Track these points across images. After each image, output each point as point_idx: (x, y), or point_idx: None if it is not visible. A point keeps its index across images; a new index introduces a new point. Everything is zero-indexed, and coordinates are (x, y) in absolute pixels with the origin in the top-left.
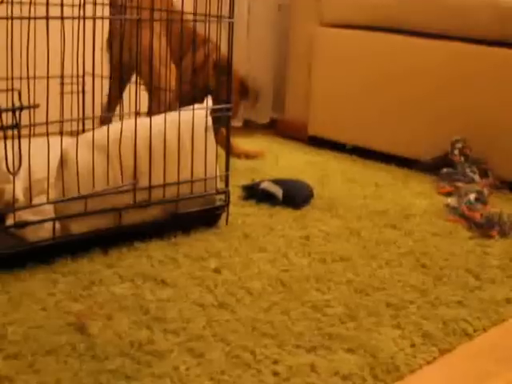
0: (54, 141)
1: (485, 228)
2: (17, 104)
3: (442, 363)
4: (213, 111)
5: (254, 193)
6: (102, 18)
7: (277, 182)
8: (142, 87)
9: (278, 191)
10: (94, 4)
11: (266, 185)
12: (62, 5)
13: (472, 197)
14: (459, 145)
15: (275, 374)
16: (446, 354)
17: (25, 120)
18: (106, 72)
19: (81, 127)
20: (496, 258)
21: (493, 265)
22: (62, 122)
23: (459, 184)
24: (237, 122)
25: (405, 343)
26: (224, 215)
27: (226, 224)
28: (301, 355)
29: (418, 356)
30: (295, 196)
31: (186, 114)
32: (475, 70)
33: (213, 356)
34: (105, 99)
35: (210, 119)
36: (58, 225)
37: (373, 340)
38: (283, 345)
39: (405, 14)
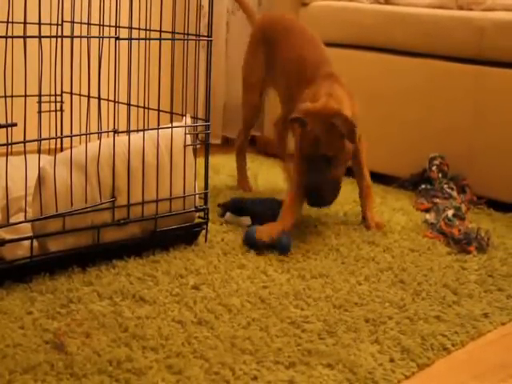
0: (32, 159)
1: (463, 244)
2: None
3: (420, 378)
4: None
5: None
6: (80, 36)
7: (246, 202)
8: None
9: (244, 220)
10: (72, 23)
11: (228, 218)
12: (39, 23)
13: (450, 213)
14: (437, 161)
15: None
16: (425, 368)
17: (2, 138)
18: (85, 90)
19: (59, 145)
20: (473, 273)
21: (470, 280)
22: (39, 140)
23: (437, 200)
24: (215, 140)
25: (384, 358)
26: (203, 232)
27: (206, 241)
28: (280, 371)
29: (396, 371)
30: (264, 218)
31: (164, 131)
32: (453, 87)
33: (192, 373)
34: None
35: (188, 137)
36: (35, 243)
37: (352, 355)
38: (262, 361)
39: (384, 33)
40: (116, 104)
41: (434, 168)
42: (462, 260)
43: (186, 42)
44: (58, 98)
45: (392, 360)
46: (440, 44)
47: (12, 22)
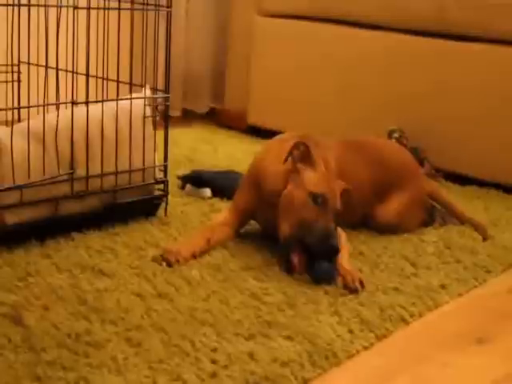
0: None
1: (429, 222)
2: None
3: (379, 349)
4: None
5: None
6: (38, 5)
7: (206, 175)
8: None
9: (204, 192)
10: None
11: (188, 190)
12: None
13: None
14: (396, 134)
15: (214, 362)
16: (383, 339)
17: None
18: (42, 61)
19: (16, 116)
20: (431, 245)
21: (428, 252)
22: None
23: None
24: (175, 112)
25: (343, 330)
26: (163, 205)
27: (165, 214)
28: (240, 343)
29: (355, 342)
30: (225, 190)
31: (123, 103)
32: (413, 61)
33: (151, 345)
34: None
35: (148, 108)
36: None
37: (311, 327)
38: (222, 333)
39: (344, 5)
40: (74, 75)
41: (393, 141)
42: (421, 232)
43: (145, 12)
44: (16, 68)
45: (351, 331)
46: (399, 17)
47: None
